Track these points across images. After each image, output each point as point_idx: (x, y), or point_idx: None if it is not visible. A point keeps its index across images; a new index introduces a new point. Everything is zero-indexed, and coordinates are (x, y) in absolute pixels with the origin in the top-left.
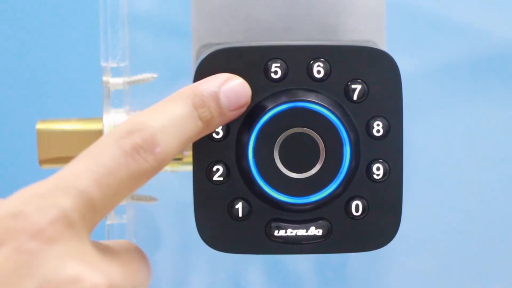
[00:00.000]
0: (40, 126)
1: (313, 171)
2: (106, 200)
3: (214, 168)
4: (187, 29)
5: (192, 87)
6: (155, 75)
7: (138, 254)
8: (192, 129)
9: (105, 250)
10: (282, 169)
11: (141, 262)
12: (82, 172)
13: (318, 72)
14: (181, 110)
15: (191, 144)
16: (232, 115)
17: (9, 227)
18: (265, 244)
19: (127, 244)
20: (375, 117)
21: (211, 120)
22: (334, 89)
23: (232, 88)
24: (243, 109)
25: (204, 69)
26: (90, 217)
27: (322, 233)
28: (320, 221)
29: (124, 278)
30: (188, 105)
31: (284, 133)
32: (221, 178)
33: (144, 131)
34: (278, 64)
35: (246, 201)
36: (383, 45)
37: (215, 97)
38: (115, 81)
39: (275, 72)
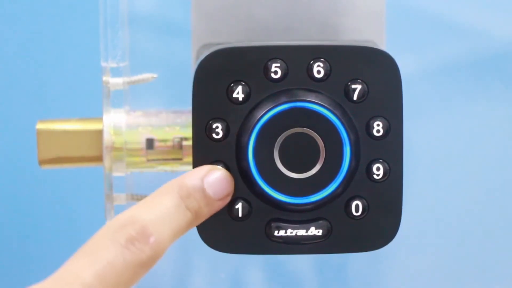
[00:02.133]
0: (40, 126)
1: (313, 171)
2: None
3: None
4: (187, 29)
5: (177, 180)
6: (155, 75)
7: None
8: (182, 219)
9: None
10: (282, 169)
11: None
12: (83, 267)
13: (318, 72)
14: (169, 202)
15: (191, 145)
16: (219, 204)
17: None
18: (265, 244)
19: None
20: (375, 117)
21: (199, 211)
22: (334, 89)
23: (215, 179)
24: (229, 198)
25: (204, 69)
26: None
27: (322, 233)
28: (320, 221)
29: None
30: (175, 197)
31: (284, 133)
32: None
33: (136, 223)
34: (278, 64)
35: (246, 201)
36: (383, 45)
37: (200, 188)
38: (115, 81)
39: (275, 72)
